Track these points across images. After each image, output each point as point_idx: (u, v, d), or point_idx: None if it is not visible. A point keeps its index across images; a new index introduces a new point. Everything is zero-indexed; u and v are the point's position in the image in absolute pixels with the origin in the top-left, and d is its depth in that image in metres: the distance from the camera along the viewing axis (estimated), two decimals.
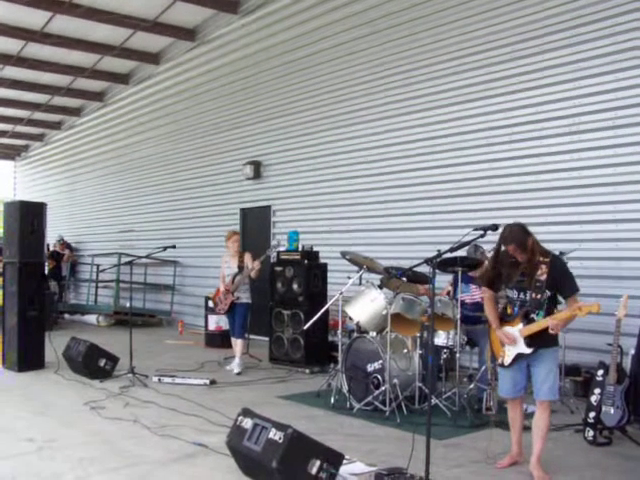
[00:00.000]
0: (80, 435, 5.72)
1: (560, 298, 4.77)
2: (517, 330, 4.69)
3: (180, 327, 13.53)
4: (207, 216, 13.81)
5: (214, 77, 13.52)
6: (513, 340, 4.70)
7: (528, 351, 4.65)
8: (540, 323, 4.57)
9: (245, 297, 8.84)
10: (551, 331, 4.51)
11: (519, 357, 4.72)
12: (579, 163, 7.57)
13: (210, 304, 10.41)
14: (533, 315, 4.63)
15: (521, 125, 8.11)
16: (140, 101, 16.20)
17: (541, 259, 4.63)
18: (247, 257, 8.88)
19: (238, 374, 8.59)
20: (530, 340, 4.62)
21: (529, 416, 5.21)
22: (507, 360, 4.80)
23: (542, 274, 4.59)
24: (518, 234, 4.62)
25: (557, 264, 4.68)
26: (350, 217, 10.47)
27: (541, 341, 4.61)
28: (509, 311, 4.83)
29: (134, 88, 16.28)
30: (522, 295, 4.70)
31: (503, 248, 4.72)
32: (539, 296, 4.60)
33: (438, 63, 9.06)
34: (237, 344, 8.79)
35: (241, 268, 8.76)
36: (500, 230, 4.69)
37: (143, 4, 12.08)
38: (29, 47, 13.77)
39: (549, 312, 4.60)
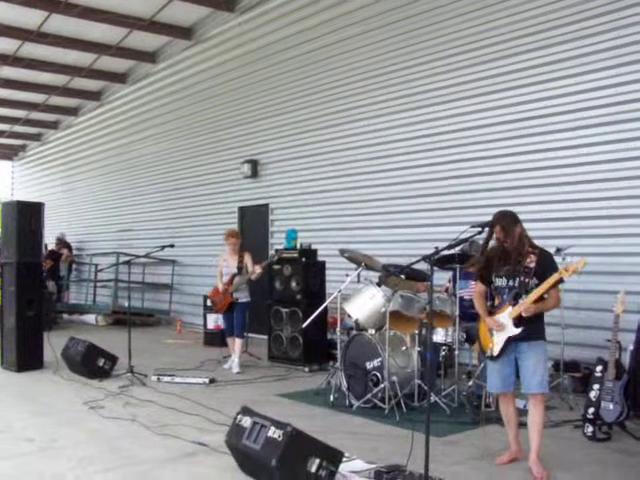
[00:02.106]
0: (79, 435, 5.72)
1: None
2: (506, 314, 4.73)
3: (179, 326, 13.54)
4: (205, 215, 13.81)
5: (211, 75, 13.51)
6: (501, 326, 4.75)
7: (517, 331, 4.67)
8: (518, 306, 4.65)
9: (244, 296, 8.83)
10: (524, 314, 4.61)
11: (508, 345, 4.74)
12: (579, 159, 7.56)
13: (209, 303, 10.41)
14: (520, 299, 4.68)
15: (520, 121, 8.10)
16: (137, 100, 16.19)
17: (530, 249, 4.75)
18: (247, 258, 8.84)
19: (238, 373, 8.59)
20: (518, 321, 4.66)
21: (525, 413, 5.21)
22: (496, 349, 4.80)
23: (531, 262, 4.70)
24: (505, 217, 4.76)
25: (545, 254, 4.79)
26: (348, 215, 10.47)
27: (528, 329, 4.66)
28: (497, 301, 4.89)
29: (131, 87, 16.27)
30: (511, 282, 4.76)
31: (492, 242, 4.79)
32: (527, 280, 4.68)
33: (437, 60, 9.05)
34: (237, 343, 8.78)
35: (240, 269, 8.75)
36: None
37: (139, 3, 12.07)
38: (25, 47, 13.76)
39: (537, 299, 4.66)
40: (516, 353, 4.79)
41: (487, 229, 4.85)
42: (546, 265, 4.70)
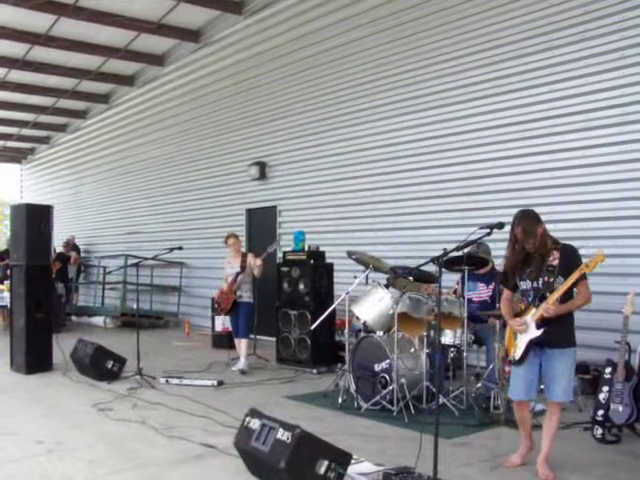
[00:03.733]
0: (88, 437, 5.73)
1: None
2: (530, 316, 4.62)
3: (187, 328, 13.55)
4: (213, 217, 13.83)
5: (219, 78, 13.54)
6: (525, 324, 4.62)
7: (538, 333, 4.54)
8: (540, 307, 4.54)
9: (247, 296, 8.89)
10: (545, 314, 4.48)
11: (530, 348, 4.61)
12: (586, 160, 7.53)
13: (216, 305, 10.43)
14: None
15: (527, 123, 8.08)
16: (145, 103, 16.25)
17: (553, 246, 4.62)
18: (250, 257, 8.97)
19: (243, 372, 8.63)
20: (540, 323, 4.54)
21: (537, 414, 5.19)
22: (518, 353, 4.69)
23: (554, 259, 4.57)
24: (527, 218, 4.60)
25: (568, 249, 4.64)
26: (356, 217, 10.46)
27: (553, 334, 4.53)
28: (522, 306, 4.79)
29: (139, 90, 16.33)
30: (535, 284, 4.64)
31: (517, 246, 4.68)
32: (551, 279, 4.54)
33: (444, 61, 9.04)
34: (242, 344, 8.83)
35: (243, 267, 8.81)
36: (506, 228, 4.66)
37: (147, 6, 12.11)
38: (34, 50, 13.83)
39: (563, 298, 4.52)
40: (541, 359, 4.66)
41: (499, 231, 4.73)
42: (570, 261, 4.55)
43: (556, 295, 4.48)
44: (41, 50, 13.77)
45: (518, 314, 4.81)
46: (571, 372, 4.66)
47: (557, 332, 4.54)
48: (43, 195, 21.60)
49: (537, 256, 4.60)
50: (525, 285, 4.72)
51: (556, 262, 4.56)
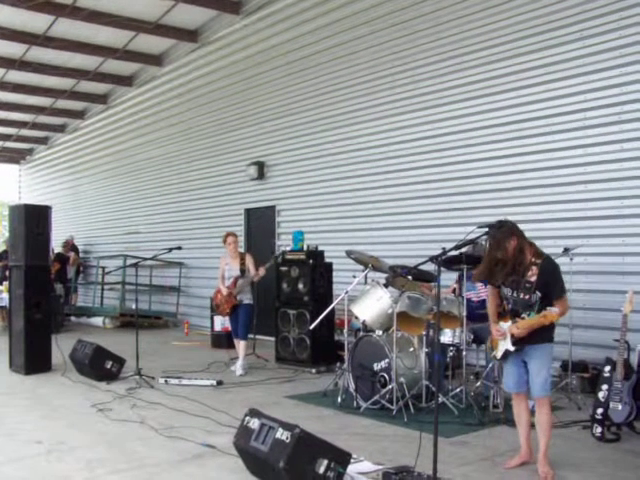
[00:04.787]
0: (88, 437, 5.73)
1: None
2: (507, 325, 4.71)
3: (186, 328, 13.55)
4: (212, 217, 13.83)
5: (217, 78, 13.55)
6: (503, 335, 4.73)
7: (512, 348, 4.67)
8: (513, 326, 4.64)
9: (247, 298, 8.84)
10: (516, 335, 4.60)
11: (508, 352, 4.73)
12: (585, 159, 7.54)
13: None
14: (524, 315, 4.61)
15: (526, 122, 8.08)
16: (144, 103, 16.24)
17: (534, 260, 4.61)
18: (249, 260, 8.88)
19: (242, 374, 8.61)
20: (515, 339, 4.64)
21: (534, 413, 5.19)
22: (498, 354, 4.83)
23: (532, 275, 4.58)
24: (498, 229, 4.64)
25: (547, 266, 4.61)
26: (355, 216, 10.46)
27: (529, 339, 4.61)
28: (506, 308, 4.84)
29: (137, 90, 16.32)
30: (515, 294, 4.69)
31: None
32: (527, 297, 4.60)
33: (441, 61, 9.05)
34: (241, 345, 8.80)
35: (243, 271, 8.77)
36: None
37: (145, 6, 12.11)
38: (32, 51, 13.82)
39: (541, 306, 4.57)
40: (523, 357, 4.75)
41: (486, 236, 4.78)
42: (547, 278, 4.55)
43: (525, 324, 4.54)
44: (39, 50, 13.76)
45: (501, 314, 4.88)
46: (548, 368, 4.72)
47: (533, 333, 4.59)
48: (41, 195, 21.59)
49: (509, 267, 4.62)
50: (506, 291, 4.77)
51: (534, 278, 4.58)
